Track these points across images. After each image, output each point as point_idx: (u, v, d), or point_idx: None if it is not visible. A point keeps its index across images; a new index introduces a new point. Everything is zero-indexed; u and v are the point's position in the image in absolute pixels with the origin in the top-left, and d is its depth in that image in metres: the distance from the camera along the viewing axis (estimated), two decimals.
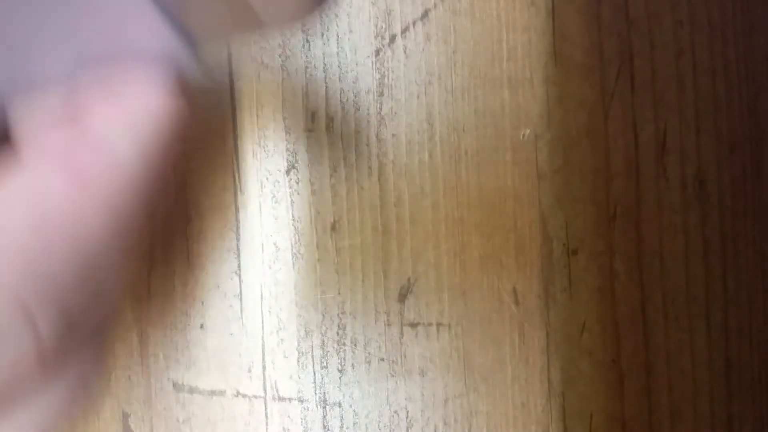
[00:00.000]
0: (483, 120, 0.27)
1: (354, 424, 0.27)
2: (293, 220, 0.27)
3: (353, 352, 0.27)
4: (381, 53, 0.27)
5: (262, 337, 0.27)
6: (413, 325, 0.27)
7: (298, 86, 0.27)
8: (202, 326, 0.27)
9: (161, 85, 0.15)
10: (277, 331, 0.27)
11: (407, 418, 0.27)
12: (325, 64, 0.27)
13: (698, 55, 0.27)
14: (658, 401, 0.27)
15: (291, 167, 0.27)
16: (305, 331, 0.27)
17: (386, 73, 0.27)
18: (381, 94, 0.27)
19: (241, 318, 0.27)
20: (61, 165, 0.14)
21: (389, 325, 0.27)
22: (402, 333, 0.27)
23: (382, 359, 0.27)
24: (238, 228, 0.27)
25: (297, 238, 0.27)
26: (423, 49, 0.27)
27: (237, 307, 0.27)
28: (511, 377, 0.27)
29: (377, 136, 0.27)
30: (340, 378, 0.27)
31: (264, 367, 0.27)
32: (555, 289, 0.27)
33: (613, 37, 0.27)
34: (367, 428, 0.27)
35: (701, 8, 0.27)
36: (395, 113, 0.27)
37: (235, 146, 0.27)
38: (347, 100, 0.27)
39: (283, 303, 0.27)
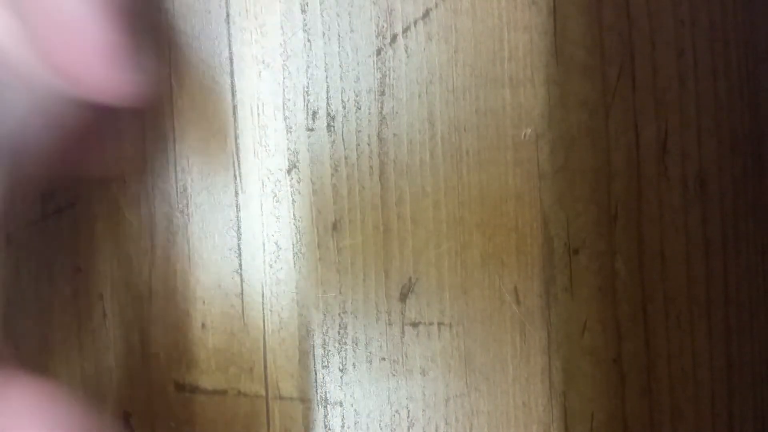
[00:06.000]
0: (484, 119, 0.27)
1: (355, 423, 0.27)
2: (294, 219, 0.27)
3: (354, 352, 0.27)
4: (382, 53, 0.27)
5: (264, 337, 0.27)
6: (414, 325, 0.27)
7: (300, 85, 0.27)
8: (203, 326, 0.27)
9: None
10: (279, 331, 0.27)
11: (408, 417, 0.27)
12: (326, 64, 0.27)
13: (699, 54, 0.27)
14: (659, 401, 0.27)
15: (292, 166, 0.27)
16: (306, 330, 0.27)
17: (387, 72, 0.27)
18: (382, 93, 0.27)
19: (243, 317, 0.27)
20: None
21: (390, 324, 0.27)
22: (403, 332, 0.27)
23: (384, 358, 0.27)
24: (239, 227, 0.27)
25: (298, 237, 0.27)
26: (424, 49, 0.27)
27: (238, 306, 0.27)
28: (512, 377, 0.27)
29: (378, 136, 0.27)
30: (341, 377, 0.27)
31: (265, 367, 0.27)
32: (556, 288, 0.27)
33: (615, 36, 0.27)
34: (368, 427, 0.27)
35: (703, 7, 0.27)
36: (396, 113, 0.27)
37: (236, 145, 0.27)
38: (348, 99, 0.27)
39: (284, 302, 0.27)
